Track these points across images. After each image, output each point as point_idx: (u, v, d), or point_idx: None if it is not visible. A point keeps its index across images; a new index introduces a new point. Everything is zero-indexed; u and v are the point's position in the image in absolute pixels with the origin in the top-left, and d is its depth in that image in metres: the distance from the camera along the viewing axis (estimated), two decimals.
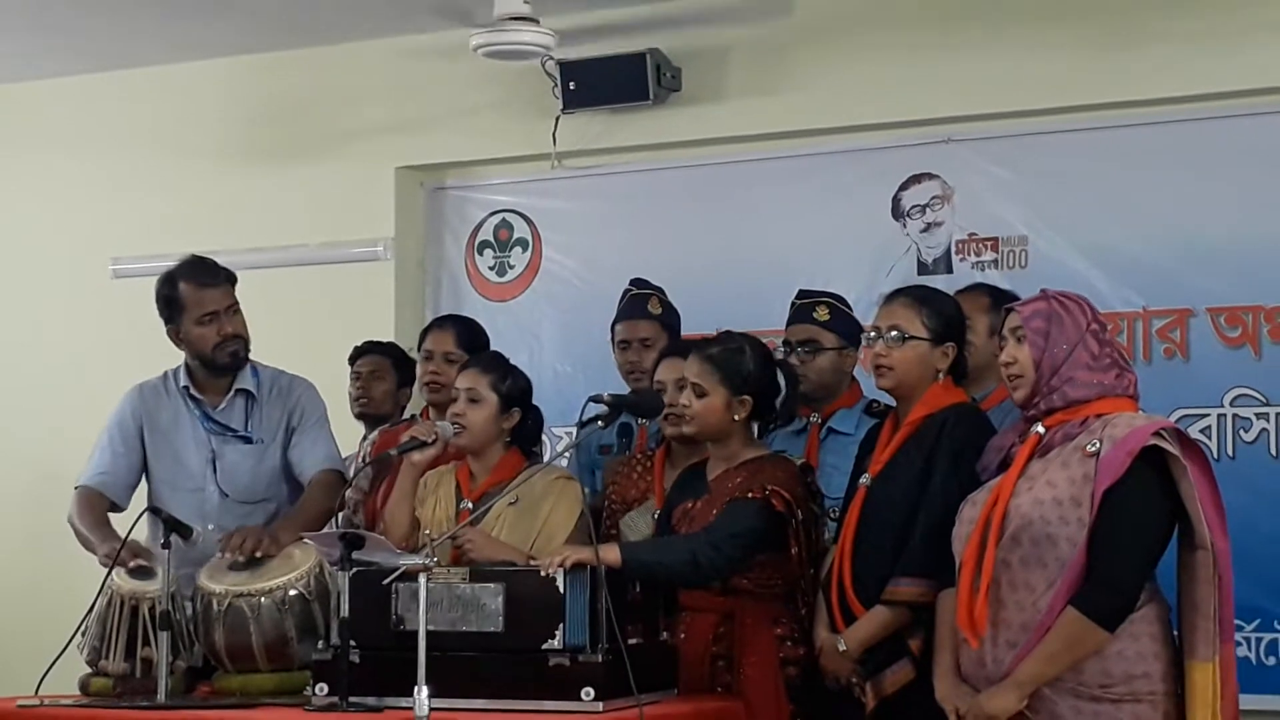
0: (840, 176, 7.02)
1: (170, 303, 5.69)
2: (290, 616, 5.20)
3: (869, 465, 5.01)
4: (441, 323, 6.34)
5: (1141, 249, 6.50)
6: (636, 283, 6.27)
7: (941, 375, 4.96)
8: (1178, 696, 4.40)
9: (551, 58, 7.23)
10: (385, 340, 7.05)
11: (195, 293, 5.66)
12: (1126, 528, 4.35)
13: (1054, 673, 4.38)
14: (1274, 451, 6.28)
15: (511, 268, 7.68)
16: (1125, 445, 4.36)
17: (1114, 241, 6.53)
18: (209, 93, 8.06)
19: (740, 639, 5.06)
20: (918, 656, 4.79)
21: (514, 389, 5.51)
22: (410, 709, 4.34)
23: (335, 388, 6.57)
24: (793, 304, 5.84)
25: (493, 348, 6.21)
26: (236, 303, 5.70)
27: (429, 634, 4.43)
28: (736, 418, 5.15)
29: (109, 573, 5.26)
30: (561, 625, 4.70)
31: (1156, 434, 4.39)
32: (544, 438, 5.78)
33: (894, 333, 4.94)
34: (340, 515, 6.03)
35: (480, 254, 7.75)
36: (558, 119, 7.37)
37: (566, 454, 5.85)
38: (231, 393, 5.73)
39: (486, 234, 7.75)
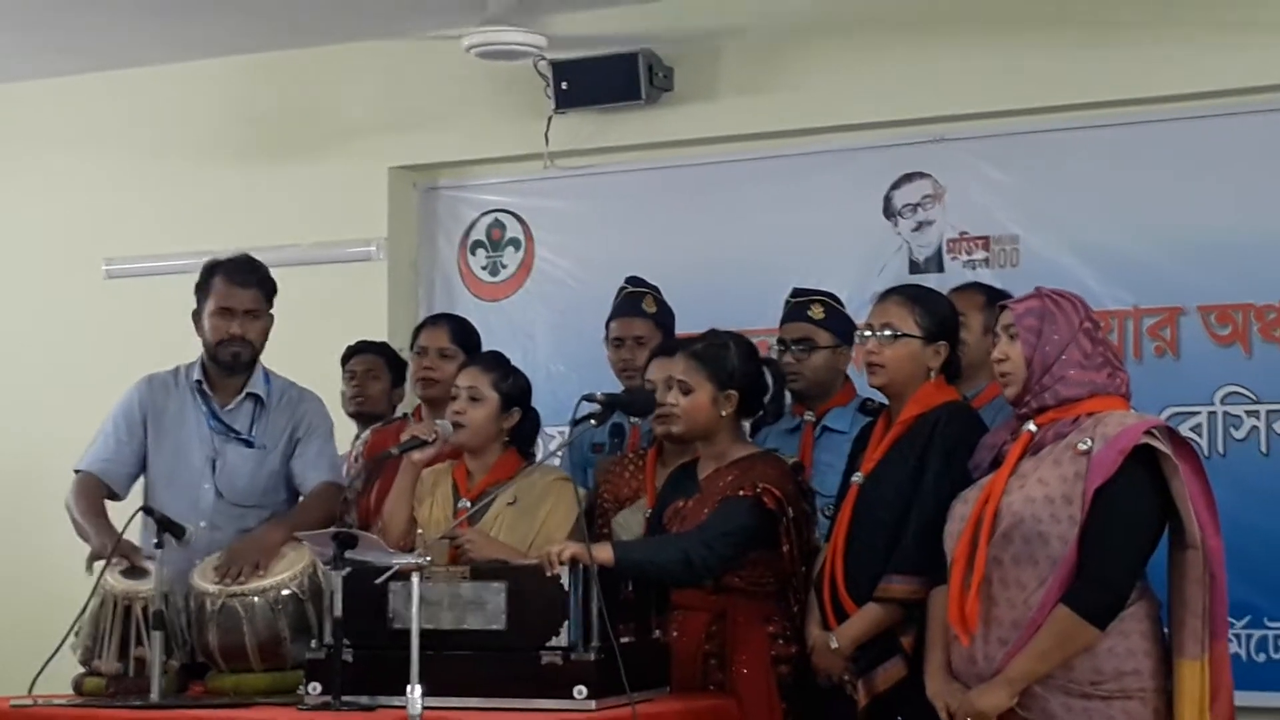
0: (832, 176, 7.03)
1: (201, 288, 5.74)
2: (283, 616, 5.21)
3: (861, 463, 5.02)
4: (435, 320, 6.35)
5: (1132, 247, 6.51)
6: (632, 281, 6.27)
7: (934, 374, 4.97)
8: (1168, 693, 4.41)
9: (544, 58, 7.24)
10: (378, 340, 7.06)
11: (223, 286, 5.69)
12: (1117, 526, 4.36)
13: (1045, 670, 4.38)
14: (1265, 449, 6.29)
15: (504, 267, 7.69)
16: (1117, 444, 4.37)
17: (1105, 240, 6.54)
18: (202, 93, 8.06)
19: (732, 637, 5.07)
20: (909, 654, 4.80)
21: (515, 388, 5.52)
22: (403, 708, 4.34)
23: (328, 387, 6.56)
24: (787, 302, 5.85)
25: (485, 348, 6.22)
26: (260, 310, 5.70)
27: (423, 633, 4.44)
28: (723, 413, 5.16)
29: (100, 575, 5.26)
30: (566, 623, 4.70)
31: (1148, 432, 4.40)
32: (538, 438, 5.79)
33: (886, 331, 4.95)
34: None
35: (473, 254, 7.76)
36: (550, 119, 7.37)
37: (559, 453, 5.86)
38: (242, 395, 5.73)
39: (479, 234, 7.75)
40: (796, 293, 5.86)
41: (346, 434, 6.69)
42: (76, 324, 8.22)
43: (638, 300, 6.15)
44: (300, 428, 5.74)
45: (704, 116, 7.22)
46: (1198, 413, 6.36)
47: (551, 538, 5.21)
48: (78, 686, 5.23)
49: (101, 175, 8.24)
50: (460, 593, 4.79)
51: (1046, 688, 4.40)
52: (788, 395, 5.59)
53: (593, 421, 5.21)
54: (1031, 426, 4.54)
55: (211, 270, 5.75)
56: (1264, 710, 6.09)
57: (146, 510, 5.33)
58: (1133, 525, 4.38)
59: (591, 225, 7.47)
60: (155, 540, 5.14)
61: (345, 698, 4.69)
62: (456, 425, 5.43)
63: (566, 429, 5.40)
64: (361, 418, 6.74)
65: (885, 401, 5.11)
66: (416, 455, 5.45)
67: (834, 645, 4.89)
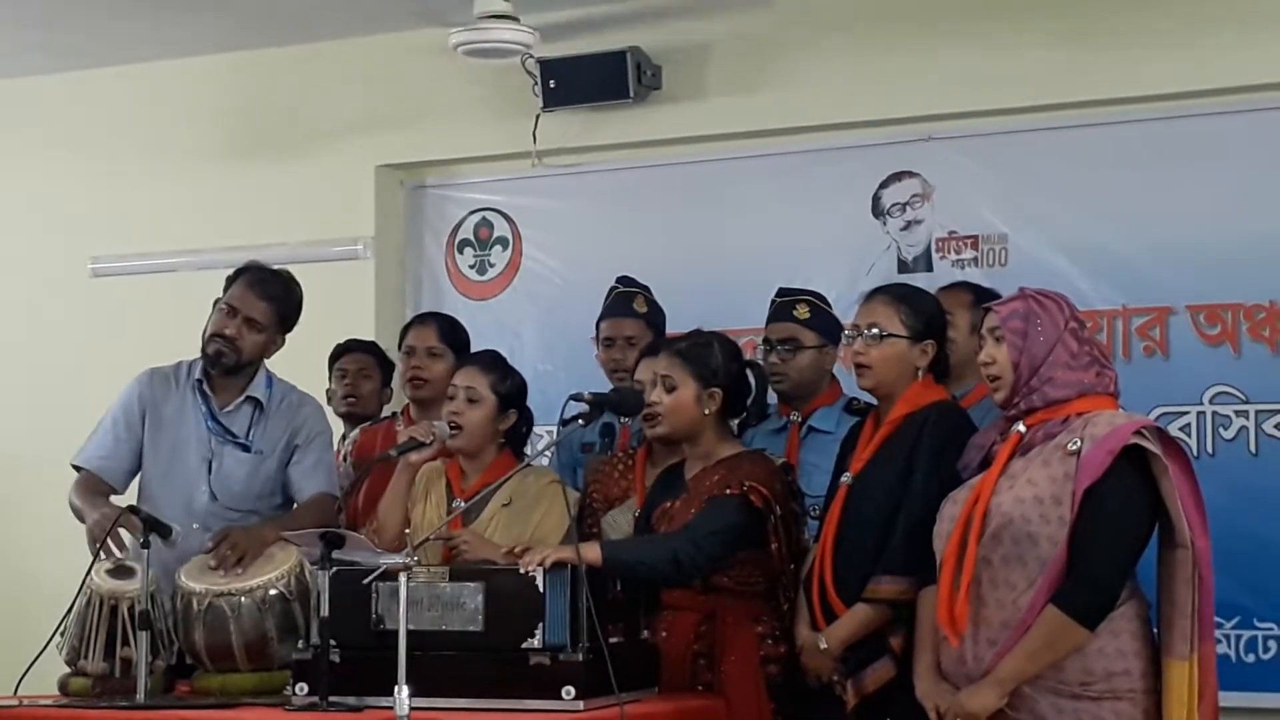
0: (820, 174, 7.02)
1: (229, 281, 5.74)
2: (270, 616, 5.19)
3: (850, 464, 5.01)
4: (423, 319, 6.34)
5: (1121, 247, 6.51)
6: (622, 280, 6.26)
7: (921, 373, 4.96)
8: (1158, 694, 4.40)
9: (531, 56, 7.23)
10: (367, 339, 7.04)
11: (241, 288, 5.68)
12: (1107, 526, 4.35)
13: (1034, 670, 4.38)
14: (1254, 449, 6.29)
15: (492, 266, 7.68)
16: (1106, 444, 4.37)
17: (1094, 239, 6.54)
18: (188, 91, 8.04)
19: (721, 637, 5.06)
20: (898, 654, 4.79)
21: (512, 390, 5.51)
22: (390, 709, 4.33)
23: (316, 386, 6.55)
24: (773, 302, 5.84)
25: (473, 347, 6.21)
26: (264, 324, 5.66)
27: (410, 633, 4.43)
28: (707, 411, 5.16)
29: (89, 569, 5.24)
30: (541, 624, 4.69)
31: (1137, 432, 4.40)
32: (526, 446, 5.78)
33: (873, 331, 4.94)
34: None
35: (460, 252, 7.74)
36: (538, 117, 7.36)
37: (547, 453, 5.85)
38: (242, 398, 5.71)
39: (467, 232, 7.74)
40: (782, 292, 5.85)
41: (334, 433, 6.66)
42: (63, 323, 8.20)
43: (628, 300, 6.14)
44: (299, 435, 5.72)
45: (692, 115, 7.21)
46: (1187, 413, 6.36)
47: (545, 540, 5.20)
48: (63, 687, 5.21)
49: (88, 174, 8.22)
50: (440, 593, 4.78)
51: (1036, 688, 4.39)
52: (772, 397, 5.58)
53: (580, 422, 5.20)
54: (1020, 427, 4.54)
55: (244, 270, 5.75)
56: (1254, 711, 6.10)
57: (133, 510, 5.31)
58: (1122, 525, 4.38)
59: (579, 224, 7.46)
60: (142, 540, 5.12)
61: (332, 698, 4.68)
62: (453, 427, 5.40)
63: (554, 429, 5.39)
64: (352, 418, 6.72)
65: (872, 401, 5.11)
66: (414, 457, 5.43)
67: (823, 646, 4.88)
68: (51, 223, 8.30)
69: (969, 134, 6.80)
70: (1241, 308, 6.34)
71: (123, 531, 5.32)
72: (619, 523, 5.41)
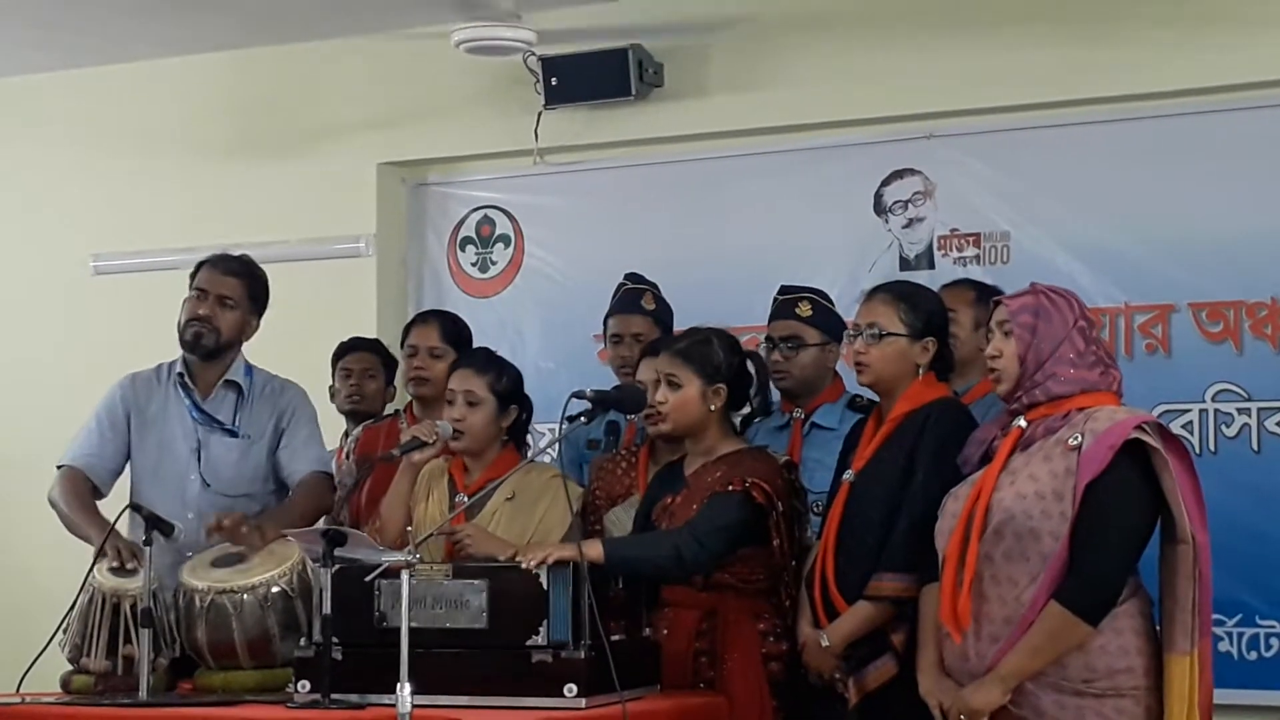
0: (822, 172, 7.02)
1: (192, 276, 5.79)
2: (272, 613, 5.19)
3: (852, 461, 5.01)
4: (425, 317, 6.33)
5: (1124, 244, 6.50)
6: (630, 277, 6.26)
7: (922, 370, 4.96)
8: (1160, 691, 4.40)
9: (533, 53, 7.23)
10: (370, 337, 7.04)
11: (206, 271, 5.75)
12: (1109, 521, 4.35)
13: (1037, 667, 4.38)
14: (1255, 446, 6.28)
15: (494, 264, 7.68)
16: (1107, 439, 4.37)
17: (1096, 237, 6.54)
18: (190, 89, 8.04)
19: (723, 635, 5.06)
20: (900, 652, 4.79)
21: (509, 386, 5.51)
22: (393, 706, 4.33)
23: (317, 384, 6.56)
24: (775, 300, 5.84)
25: (475, 344, 6.20)
26: (236, 300, 5.71)
27: (412, 631, 4.43)
28: (712, 408, 5.16)
29: (91, 567, 5.24)
30: (545, 621, 4.70)
31: (1138, 427, 4.40)
32: (528, 437, 5.78)
33: (872, 330, 4.94)
34: None
35: (462, 250, 7.74)
36: (540, 115, 7.36)
37: (550, 450, 5.84)
38: (221, 383, 5.73)
39: (469, 230, 7.74)
40: (784, 290, 5.85)
41: (336, 430, 6.67)
42: (64, 320, 8.20)
43: (636, 297, 6.14)
44: (284, 418, 5.74)
45: (694, 112, 7.21)
46: (1189, 410, 6.35)
47: (549, 534, 5.22)
48: (66, 684, 5.21)
49: (89, 171, 8.23)
50: (443, 591, 4.78)
51: (1039, 685, 4.39)
52: (775, 394, 5.58)
53: (583, 419, 5.20)
54: (1022, 422, 4.54)
55: (204, 260, 5.83)
56: (1255, 708, 6.10)
57: (135, 507, 5.31)
58: (1124, 521, 4.37)
59: (581, 222, 7.46)
60: (144, 537, 5.13)
61: (334, 695, 4.68)
62: (457, 432, 5.40)
63: (556, 426, 5.39)
64: (356, 416, 6.71)
65: (874, 398, 5.10)
66: (416, 456, 5.43)
67: (825, 643, 4.88)
68: (53, 220, 8.30)
69: (971, 131, 6.80)
70: (1243, 305, 6.34)
71: (126, 534, 5.33)
72: (621, 520, 5.41)
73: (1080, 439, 4.40)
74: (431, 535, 5.19)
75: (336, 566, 4.73)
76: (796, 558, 5.11)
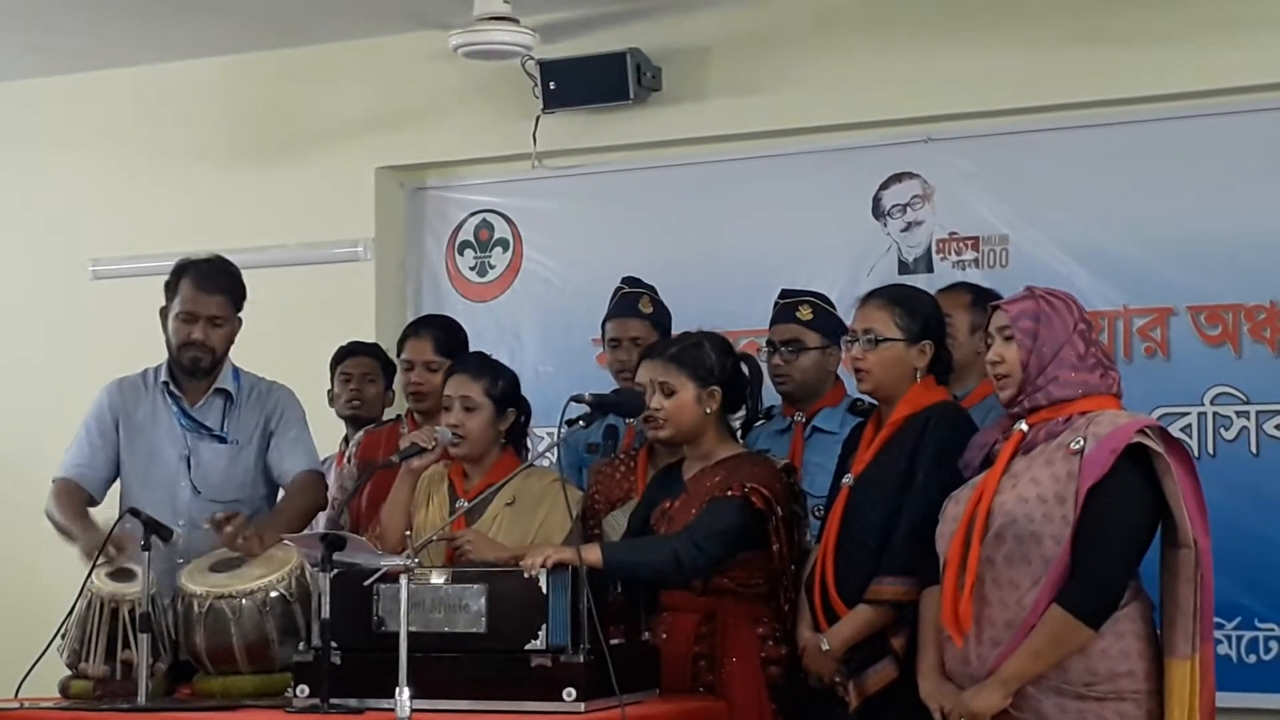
0: (821, 176, 7.02)
1: (169, 287, 5.74)
2: (271, 618, 5.19)
3: (852, 465, 5.01)
4: (417, 330, 6.22)
5: (1122, 247, 6.51)
6: (629, 281, 6.26)
7: (920, 374, 4.96)
8: (1161, 695, 4.40)
9: (531, 57, 7.23)
10: (370, 341, 7.03)
11: (189, 290, 5.68)
12: (1110, 525, 4.35)
13: (1039, 670, 4.38)
14: (1254, 450, 6.28)
15: (492, 268, 7.67)
16: (1109, 443, 4.36)
17: (1095, 240, 6.54)
18: (189, 93, 8.04)
19: (722, 639, 5.06)
20: (900, 655, 4.78)
21: (506, 389, 5.50)
22: (392, 710, 4.33)
23: (316, 388, 6.56)
24: (775, 304, 5.84)
25: (472, 348, 6.19)
26: (225, 317, 5.68)
27: (411, 635, 4.42)
28: (708, 411, 5.15)
29: (90, 571, 5.24)
30: (545, 626, 4.69)
31: (1140, 431, 4.39)
32: (527, 441, 5.77)
33: (868, 335, 4.94)
34: (325, 516, 6.03)
35: (461, 254, 7.74)
36: (538, 119, 7.36)
37: (549, 454, 5.84)
38: (210, 391, 5.72)
39: (467, 234, 7.74)
40: (785, 294, 5.85)
41: (335, 435, 6.67)
42: (63, 324, 8.20)
43: (634, 301, 6.14)
44: (273, 420, 5.73)
45: (692, 117, 7.21)
46: (1188, 413, 6.35)
47: (549, 539, 5.21)
48: (64, 689, 5.21)
49: (88, 176, 8.23)
50: (442, 595, 4.78)
51: (1040, 688, 4.39)
52: (776, 398, 5.58)
53: (581, 423, 5.20)
54: (1023, 426, 4.53)
55: (181, 271, 5.75)
56: (1255, 712, 6.10)
57: (133, 513, 5.30)
58: (1126, 525, 4.37)
59: (580, 226, 7.45)
60: (142, 543, 5.12)
61: (333, 700, 4.68)
62: (456, 437, 5.40)
63: (555, 430, 5.40)
64: (356, 421, 6.69)
65: (876, 402, 5.10)
66: (416, 462, 5.43)
67: (825, 647, 4.87)
68: (52, 224, 8.30)
69: (969, 135, 6.80)
70: (1242, 308, 6.34)
71: (122, 538, 5.33)
72: (620, 524, 5.40)
73: (1082, 443, 4.40)
74: (431, 540, 5.19)
75: (335, 571, 4.72)
76: (796, 562, 5.11)
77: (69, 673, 5.25)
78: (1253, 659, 6.23)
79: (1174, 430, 6.11)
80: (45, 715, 4.91)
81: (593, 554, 4.86)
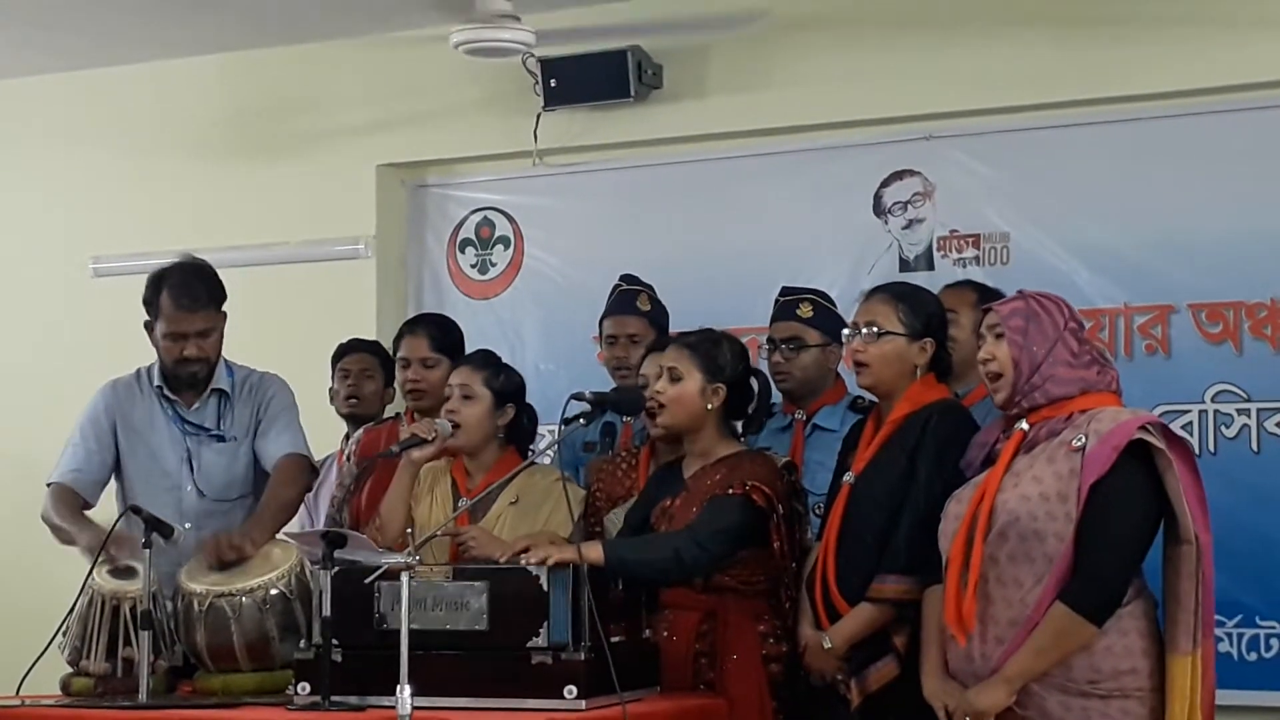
0: (822, 173, 7.02)
1: (149, 305, 5.68)
2: (272, 616, 5.19)
3: (852, 463, 5.01)
4: (413, 328, 6.22)
5: (1123, 245, 6.50)
6: (626, 279, 6.26)
7: (920, 371, 4.96)
8: (1164, 692, 4.40)
9: (533, 55, 7.23)
10: (369, 339, 7.03)
11: (171, 310, 5.62)
12: (1113, 522, 4.35)
13: (1042, 668, 4.38)
14: (1255, 447, 6.28)
15: (493, 265, 7.67)
16: (1111, 440, 4.36)
17: (1096, 237, 6.54)
18: (190, 90, 8.04)
19: (723, 636, 5.06)
20: (902, 653, 4.79)
21: (507, 385, 5.51)
22: (393, 708, 4.32)
23: (316, 386, 6.56)
24: (776, 301, 5.84)
25: (473, 346, 6.18)
26: (213, 326, 5.64)
27: (413, 632, 4.42)
28: (710, 406, 5.15)
29: (91, 568, 5.24)
30: (546, 623, 4.69)
31: (1142, 428, 4.40)
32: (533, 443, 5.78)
33: (871, 329, 4.94)
34: (327, 514, 6.03)
35: (462, 252, 7.74)
36: (539, 116, 7.36)
37: (550, 452, 5.84)
38: (207, 393, 5.72)
39: (468, 232, 7.74)
40: (785, 291, 5.85)
41: (334, 432, 6.67)
42: (64, 322, 8.20)
43: (632, 298, 6.14)
44: (262, 409, 5.73)
45: (693, 114, 7.21)
46: (1188, 411, 6.35)
47: (551, 537, 5.20)
48: (65, 687, 5.21)
49: (89, 173, 8.22)
50: (444, 593, 4.78)
51: (1044, 686, 4.39)
52: (776, 396, 5.57)
53: (581, 421, 5.20)
54: (1024, 424, 4.54)
55: (157, 286, 5.66)
56: (1255, 709, 6.10)
57: (134, 510, 5.31)
58: (1128, 522, 4.37)
59: (581, 223, 7.45)
60: (143, 540, 5.12)
61: (334, 698, 4.68)
62: (452, 425, 5.41)
63: (556, 428, 5.40)
64: (355, 418, 6.68)
65: (876, 399, 5.10)
66: (415, 454, 5.44)
67: (827, 645, 4.88)
68: (53, 222, 8.30)
69: (970, 132, 6.79)
70: (1243, 306, 6.34)
71: (124, 537, 5.32)
72: (621, 522, 5.40)
73: (1084, 440, 4.40)
74: (434, 536, 5.19)
75: (336, 569, 4.73)
76: (797, 560, 5.11)
77: (70, 670, 5.25)
78: (1253, 656, 6.22)
79: (1175, 428, 6.08)
80: (46, 713, 4.90)
81: (594, 552, 4.86)
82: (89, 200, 8.21)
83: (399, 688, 4.31)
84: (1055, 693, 4.39)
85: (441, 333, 6.15)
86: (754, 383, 5.28)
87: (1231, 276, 6.33)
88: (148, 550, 5.08)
